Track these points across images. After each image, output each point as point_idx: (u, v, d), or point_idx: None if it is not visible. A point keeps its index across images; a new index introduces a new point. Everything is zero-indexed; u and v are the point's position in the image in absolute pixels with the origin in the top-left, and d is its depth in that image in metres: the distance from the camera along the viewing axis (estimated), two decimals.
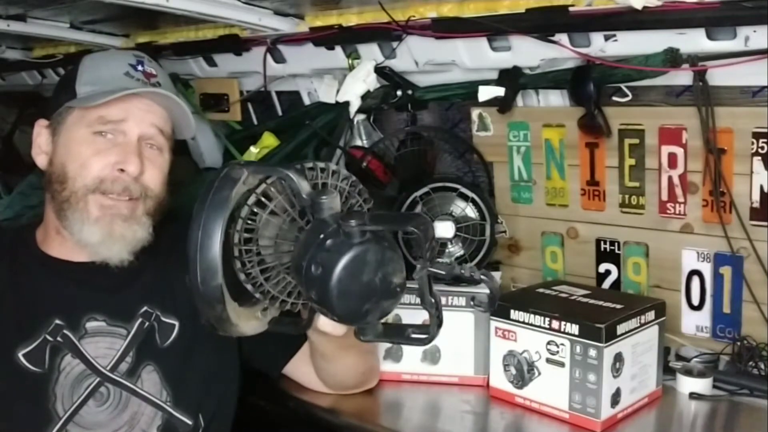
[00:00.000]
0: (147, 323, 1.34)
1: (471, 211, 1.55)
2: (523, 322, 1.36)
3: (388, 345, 1.52)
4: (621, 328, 1.29)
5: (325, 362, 1.40)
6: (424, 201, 1.56)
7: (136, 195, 1.31)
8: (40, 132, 1.36)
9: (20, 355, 1.26)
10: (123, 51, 1.48)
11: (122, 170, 1.29)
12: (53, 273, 1.34)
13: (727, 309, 1.55)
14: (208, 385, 1.37)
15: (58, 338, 1.28)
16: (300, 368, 1.46)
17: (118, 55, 1.43)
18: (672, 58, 1.40)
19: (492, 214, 1.56)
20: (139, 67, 1.35)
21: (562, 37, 1.52)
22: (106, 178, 1.28)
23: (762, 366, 1.44)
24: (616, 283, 1.71)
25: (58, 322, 1.29)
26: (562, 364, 1.31)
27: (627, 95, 1.59)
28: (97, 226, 1.28)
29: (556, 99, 1.71)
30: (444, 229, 1.54)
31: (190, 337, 1.36)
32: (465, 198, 1.56)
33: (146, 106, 1.33)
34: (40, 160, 1.36)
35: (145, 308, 1.34)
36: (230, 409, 1.42)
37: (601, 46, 1.48)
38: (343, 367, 1.41)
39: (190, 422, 1.32)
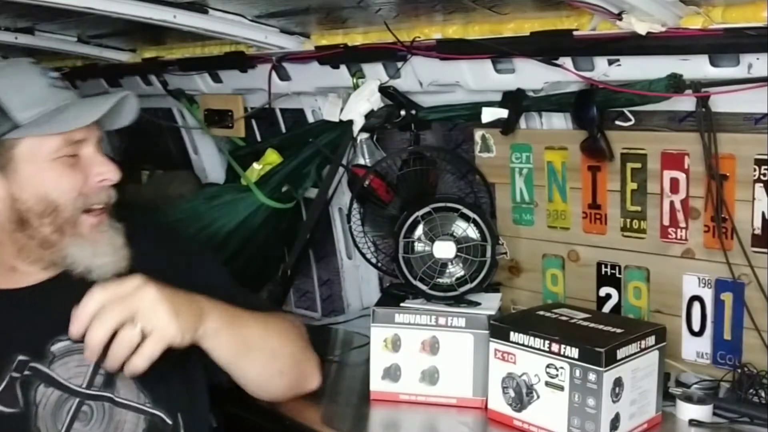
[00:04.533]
0: None
1: (472, 232, 1.55)
2: (523, 345, 1.36)
3: (387, 365, 1.51)
4: (621, 353, 1.29)
5: (233, 371, 1.31)
6: (425, 221, 1.56)
7: (113, 200, 1.29)
8: None
9: None
10: (14, 61, 1.36)
11: (101, 180, 1.27)
12: (6, 308, 1.28)
13: (727, 335, 1.54)
14: (182, 384, 1.34)
15: (26, 372, 1.23)
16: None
17: (23, 67, 1.29)
18: (675, 84, 1.40)
19: (493, 235, 1.56)
20: (50, 74, 1.28)
21: (566, 61, 1.53)
22: (91, 193, 1.27)
23: (763, 394, 1.42)
24: (617, 307, 1.71)
25: (21, 357, 1.23)
26: (561, 388, 1.31)
27: (630, 120, 1.59)
28: (92, 245, 1.26)
29: (559, 122, 1.72)
30: (445, 249, 1.54)
31: None
32: (466, 219, 1.55)
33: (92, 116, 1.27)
34: None
35: None
36: (205, 412, 1.39)
37: (604, 70, 1.49)
38: (251, 374, 1.32)
39: (170, 421, 1.29)
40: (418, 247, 1.56)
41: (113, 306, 1.09)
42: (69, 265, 1.26)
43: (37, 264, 1.28)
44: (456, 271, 1.56)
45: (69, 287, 1.24)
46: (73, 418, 1.24)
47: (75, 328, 1.09)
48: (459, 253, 1.54)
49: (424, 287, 1.54)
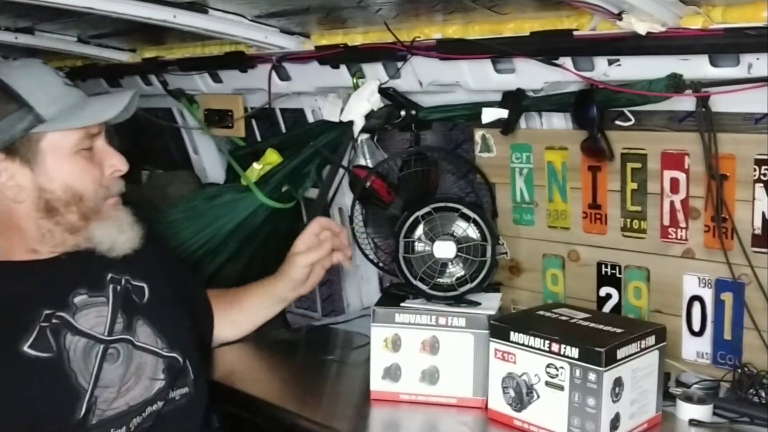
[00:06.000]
0: (119, 287, 1.44)
1: (473, 232, 1.55)
2: (523, 345, 1.36)
3: (387, 365, 1.51)
4: (621, 353, 1.29)
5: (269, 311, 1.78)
6: (426, 220, 1.56)
7: (123, 190, 1.45)
8: (2, 168, 1.33)
9: (26, 348, 1.30)
10: (29, 61, 1.46)
11: (114, 172, 1.42)
12: (26, 274, 1.39)
13: (728, 335, 1.54)
14: (190, 332, 1.55)
15: (54, 320, 1.33)
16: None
17: (40, 67, 1.41)
18: (675, 84, 1.40)
19: (493, 235, 1.56)
20: (60, 73, 1.42)
21: (566, 61, 1.53)
22: (109, 184, 1.41)
23: (763, 394, 1.42)
24: (617, 307, 1.71)
25: (47, 311, 1.34)
26: (561, 388, 1.31)
27: (630, 120, 1.59)
28: (115, 223, 1.41)
29: (559, 122, 1.72)
30: (445, 249, 1.54)
31: (162, 296, 1.51)
32: (467, 219, 1.55)
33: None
34: (12, 194, 1.34)
35: (110, 275, 1.43)
36: (203, 358, 1.59)
37: (604, 70, 1.49)
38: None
39: (181, 361, 1.47)
40: (419, 247, 1.56)
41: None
42: (95, 245, 1.40)
43: (58, 247, 1.40)
44: (456, 271, 1.55)
45: (79, 256, 1.40)
46: (102, 360, 1.36)
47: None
48: (459, 253, 1.54)
49: (424, 287, 1.54)
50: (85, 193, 1.37)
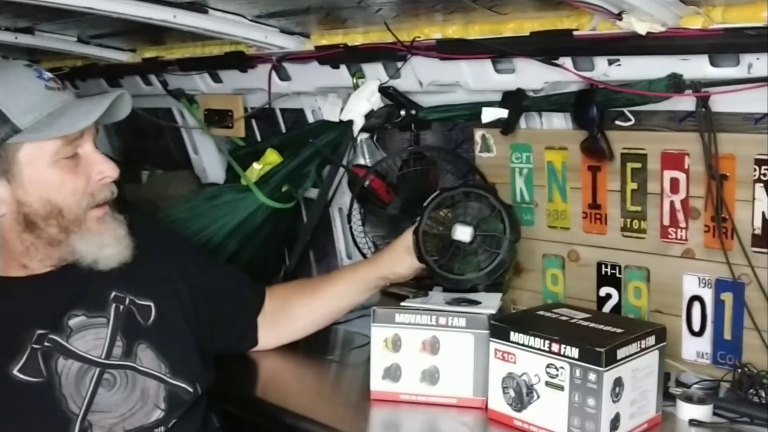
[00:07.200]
0: (122, 307, 1.38)
1: (494, 223, 1.53)
2: (523, 345, 1.36)
3: (387, 365, 1.51)
4: (621, 353, 1.29)
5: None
6: (451, 202, 1.54)
7: (115, 194, 1.36)
8: None
9: (15, 371, 1.27)
10: (10, 64, 1.41)
11: (102, 178, 1.33)
12: (21, 290, 1.34)
13: (728, 335, 1.54)
14: (199, 355, 1.46)
15: (46, 343, 1.30)
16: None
17: (19, 71, 1.32)
18: (675, 84, 1.40)
19: (515, 230, 1.54)
20: (44, 75, 1.31)
21: (566, 61, 1.53)
22: (95, 191, 1.32)
23: (763, 394, 1.42)
24: (617, 307, 1.71)
25: (40, 331, 1.30)
26: (561, 388, 1.30)
27: (630, 119, 1.59)
28: (98, 237, 1.33)
29: (559, 122, 1.72)
30: (463, 233, 1.53)
31: (169, 315, 1.44)
32: (492, 208, 1.54)
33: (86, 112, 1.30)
34: None
35: (114, 293, 1.38)
36: (213, 378, 1.50)
37: (604, 70, 1.49)
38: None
39: (191, 389, 1.40)
40: (439, 226, 1.56)
41: None
42: (77, 259, 1.33)
43: (45, 261, 1.35)
44: (470, 258, 1.55)
45: (79, 270, 1.34)
46: (97, 385, 1.31)
47: None
48: (476, 240, 1.53)
49: (434, 266, 1.54)
50: (64, 206, 1.29)
